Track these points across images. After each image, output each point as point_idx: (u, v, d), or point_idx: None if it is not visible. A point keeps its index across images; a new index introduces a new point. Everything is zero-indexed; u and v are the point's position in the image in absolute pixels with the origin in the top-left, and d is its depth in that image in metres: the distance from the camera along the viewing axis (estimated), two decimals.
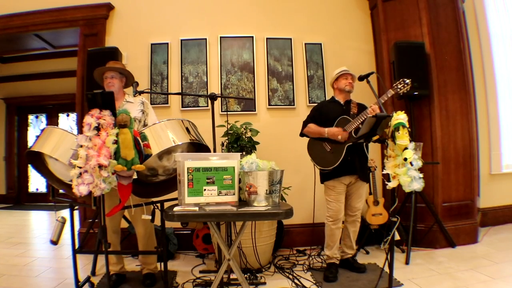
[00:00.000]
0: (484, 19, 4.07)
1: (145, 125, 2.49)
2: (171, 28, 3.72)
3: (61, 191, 2.21)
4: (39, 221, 5.50)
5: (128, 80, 2.61)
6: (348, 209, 2.80)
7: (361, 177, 2.73)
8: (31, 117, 7.58)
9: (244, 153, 2.99)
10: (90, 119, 1.77)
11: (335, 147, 2.69)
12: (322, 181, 2.83)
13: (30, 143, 6.41)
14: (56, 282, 2.62)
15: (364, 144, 2.72)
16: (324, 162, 2.73)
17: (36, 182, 7.41)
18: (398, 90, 2.54)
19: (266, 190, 1.78)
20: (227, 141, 3.16)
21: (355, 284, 2.52)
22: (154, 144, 1.92)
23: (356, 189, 2.77)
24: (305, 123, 2.88)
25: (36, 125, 7.58)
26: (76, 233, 2.51)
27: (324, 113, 2.82)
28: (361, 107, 2.81)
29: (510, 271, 2.61)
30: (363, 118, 2.57)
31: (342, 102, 2.83)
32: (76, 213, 2.88)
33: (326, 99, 3.61)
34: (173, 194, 2.10)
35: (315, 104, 3.09)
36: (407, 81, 2.53)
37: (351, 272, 2.75)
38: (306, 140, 2.87)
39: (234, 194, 1.87)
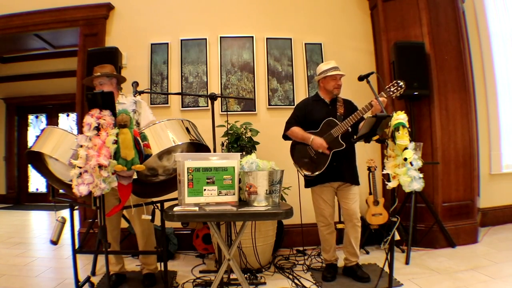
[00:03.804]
0: (484, 19, 4.07)
1: (137, 123, 2.43)
2: (171, 28, 3.72)
3: (61, 191, 2.21)
4: (39, 221, 5.50)
5: (119, 80, 2.55)
6: (343, 213, 2.65)
7: (349, 182, 2.58)
8: (31, 117, 7.58)
9: (244, 153, 2.99)
10: (90, 119, 1.77)
11: (320, 152, 2.53)
12: (306, 186, 2.70)
13: (30, 143, 6.40)
14: (56, 282, 2.62)
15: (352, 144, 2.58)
16: (308, 167, 2.56)
17: (36, 182, 7.41)
18: (391, 93, 2.40)
19: (266, 190, 1.78)
20: (227, 141, 3.16)
21: (355, 284, 2.52)
22: (154, 144, 1.92)
23: (346, 191, 2.60)
24: (288, 124, 2.70)
25: (36, 125, 7.58)
26: (76, 233, 2.51)
27: (309, 113, 2.65)
28: (348, 105, 2.67)
29: (510, 271, 2.61)
30: (352, 122, 2.46)
31: (327, 101, 2.66)
32: (76, 213, 2.88)
33: None
34: (173, 194, 2.10)
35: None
36: (401, 83, 2.36)
37: (354, 280, 2.56)
38: None
39: (234, 194, 1.87)
